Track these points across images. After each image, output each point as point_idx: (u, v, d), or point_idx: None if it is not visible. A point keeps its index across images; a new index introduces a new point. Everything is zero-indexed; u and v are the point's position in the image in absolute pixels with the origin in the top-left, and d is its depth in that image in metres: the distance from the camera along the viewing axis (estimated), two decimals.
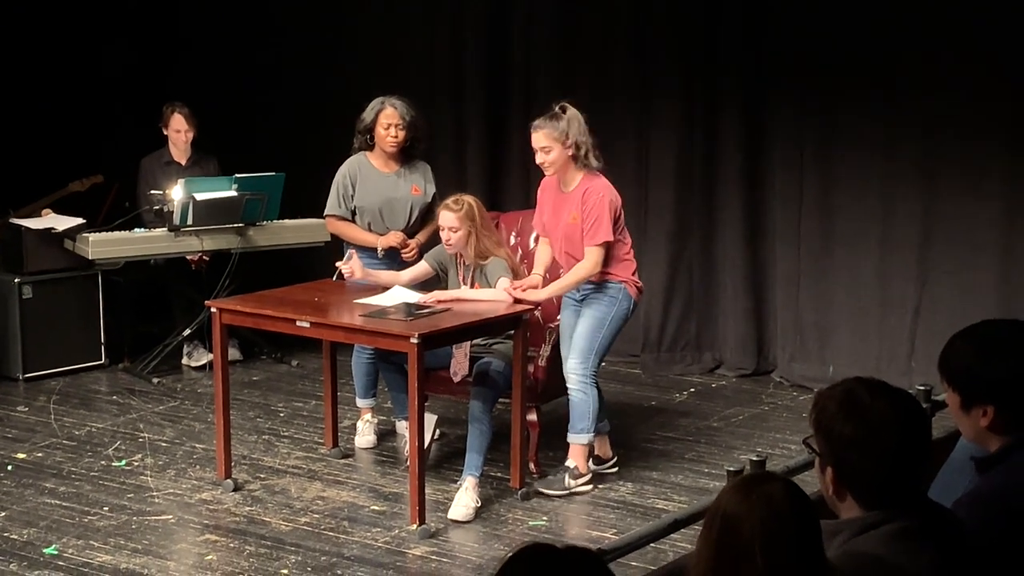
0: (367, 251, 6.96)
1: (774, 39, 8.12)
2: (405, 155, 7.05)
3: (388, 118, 6.93)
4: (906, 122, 7.74)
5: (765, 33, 8.16)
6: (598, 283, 6.29)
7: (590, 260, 6.19)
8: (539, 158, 6.23)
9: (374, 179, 7.01)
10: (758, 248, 8.42)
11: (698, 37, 8.37)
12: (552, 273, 6.46)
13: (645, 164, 8.59)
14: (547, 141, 6.17)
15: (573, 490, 6.35)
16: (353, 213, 7.04)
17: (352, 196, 7.01)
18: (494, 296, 6.32)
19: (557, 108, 6.21)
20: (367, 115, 6.98)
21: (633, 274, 6.37)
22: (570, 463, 6.38)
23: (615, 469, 6.65)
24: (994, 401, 3.14)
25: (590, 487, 6.40)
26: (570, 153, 6.18)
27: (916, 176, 7.74)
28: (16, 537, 5.87)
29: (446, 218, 6.40)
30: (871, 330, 7.99)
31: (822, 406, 2.85)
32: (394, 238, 6.91)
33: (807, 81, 8.02)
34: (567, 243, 6.31)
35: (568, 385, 6.33)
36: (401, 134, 6.94)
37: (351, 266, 6.61)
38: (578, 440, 6.36)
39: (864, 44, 7.79)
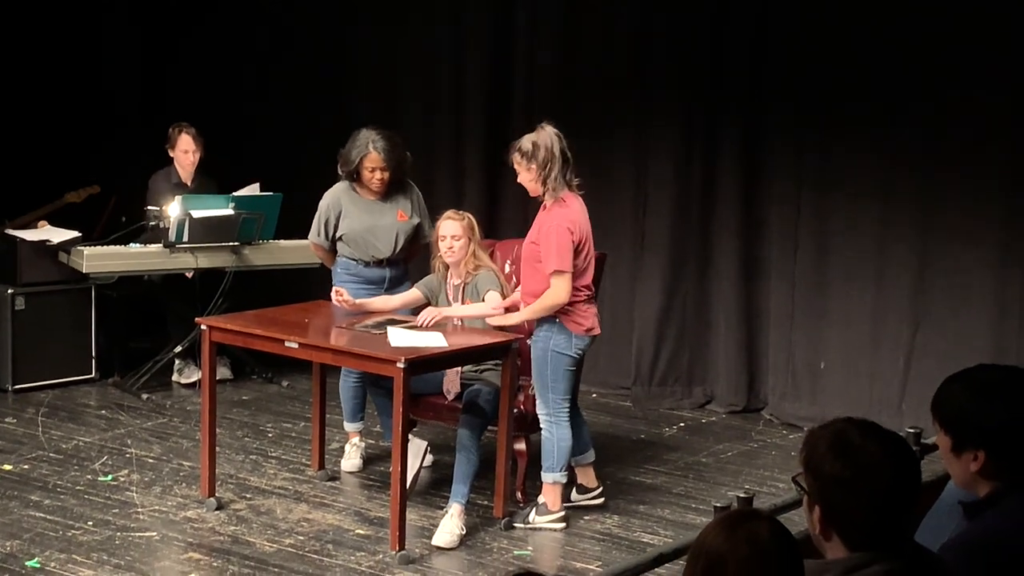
0: (354, 279, 6.97)
1: (775, 77, 8.14)
2: (392, 183, 7.02)
3: (372, 162, 6.85)
4: (903, 165, 7.76)
5: (766, 71, 8.17)
6: (537, 322, 6.24)
7: (552, 289, 6.12)
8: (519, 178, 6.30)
9: (358, 206, 6.98)
10: (752, 285, 8.41)
11: (699, 73, 8.39)
12: None
13: (642, 197, 8.59)
14: (514, 163, 6.23)
15: (539, 526, 6.31)
16: (335, 242, 7.04)
17: (335, 226, 7.00)
18: (480, 311, 6.38)
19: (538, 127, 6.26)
20: (352, 155, 6.87)
21: (571, 306, 6.14)
22: (540, 499, 6.36)
23: (600, 500, 6.62)
24: (986, 446, 3.12)
25: (562, 525, 6.34)
26: (532, 177, 6.16)
27: (912, 218, 7.75)
28: None
29: (450, 227, 6.47)
30: (863, 371, 7.98)
31: (812, 445, 2.84)
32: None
33: (806, 120, 8.04)
34: (524, 261, 6.30)
35: (540, 424, 6.33)
36: (386, 175, 6.90)
37: (342, 300, 6.59)
38: (545, 478, 6.33)
39: (864, 85, 7.81)
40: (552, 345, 6.18)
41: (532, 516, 6.32)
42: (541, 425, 6.28)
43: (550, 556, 6.05)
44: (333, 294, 6.64)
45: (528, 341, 6.45)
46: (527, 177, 6.19)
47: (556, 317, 6.16)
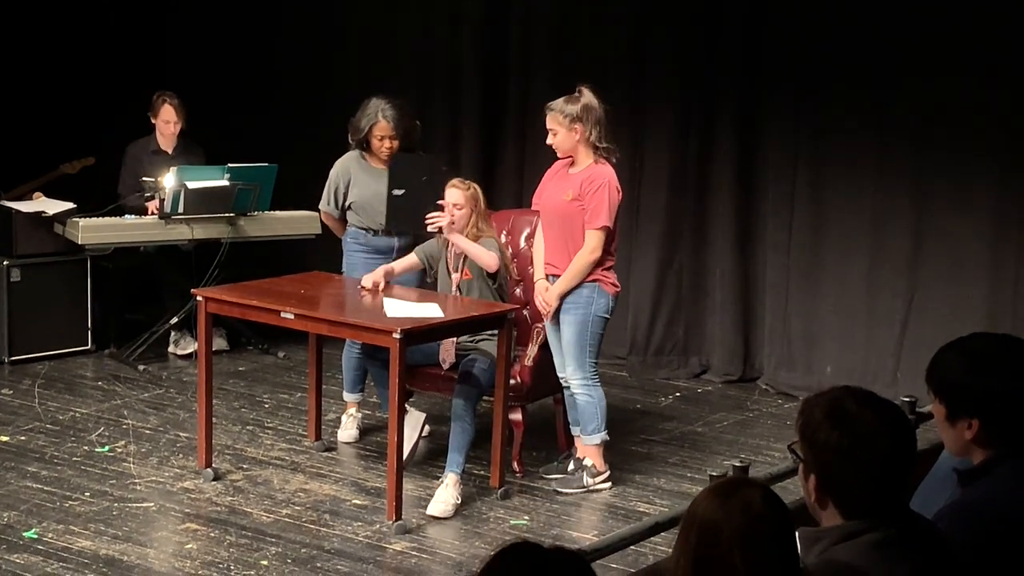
0: (363, 248, 6.99)
1: (771, 49, 8.13)
2: (402, 151, 7.03)
3: (381, 131, 6.89)
4: (898, 136, 7.76)
5: (762, 43, 8.16)
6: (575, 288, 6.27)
7: (588, 245, 6.19)
8: (549, 139, 6.30)
9: (367, 175, 7.00)
10: (748, 255, 8.42)
11: (696, 46, 8.37)
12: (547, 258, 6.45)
13: (639, 168, 8.58)
14: (553, 124, 6.23)
15: (591, 488, 6.36)
16: (345, 210, 7.04)
17: (345, 194, 7.02)
18: (480, 254, 6.35)
19: (576, 91, 6.28)
20: (362, 124, 6.91)
21: (606, 271, 6.30)
22: (587, 461, 6.39)
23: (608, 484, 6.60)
24: (980, 415, 3.14)
25: (608, 484, 6.41)
26: (576, 138, 6.20)
27: (907, 189, 7.76)
28: None
29: (453, 195, 6.47)
30: (858, 340, 7.99)
31: (808, 413, 2.85)
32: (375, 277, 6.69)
33: (802, 92, 8.03)
34: (560, 222, 6.31)
35: (573, 391, 6.36)
36: (395, 144, 6.93)
37: (375, 283, 6.51)
38: (591, 441, 6.38)
39: (860, 58, 7.80)
40: (595, 310, 6.25)
41: (585, 478, 6.36)
42: (576, 391, 6.32)
43: (547, 525, 6.07)
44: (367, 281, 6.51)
45: (524, 312, 6.45)
46: (567, 137, 6.21)
47: (596, 281, 6.24)
